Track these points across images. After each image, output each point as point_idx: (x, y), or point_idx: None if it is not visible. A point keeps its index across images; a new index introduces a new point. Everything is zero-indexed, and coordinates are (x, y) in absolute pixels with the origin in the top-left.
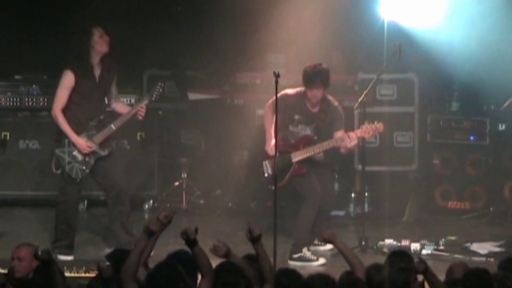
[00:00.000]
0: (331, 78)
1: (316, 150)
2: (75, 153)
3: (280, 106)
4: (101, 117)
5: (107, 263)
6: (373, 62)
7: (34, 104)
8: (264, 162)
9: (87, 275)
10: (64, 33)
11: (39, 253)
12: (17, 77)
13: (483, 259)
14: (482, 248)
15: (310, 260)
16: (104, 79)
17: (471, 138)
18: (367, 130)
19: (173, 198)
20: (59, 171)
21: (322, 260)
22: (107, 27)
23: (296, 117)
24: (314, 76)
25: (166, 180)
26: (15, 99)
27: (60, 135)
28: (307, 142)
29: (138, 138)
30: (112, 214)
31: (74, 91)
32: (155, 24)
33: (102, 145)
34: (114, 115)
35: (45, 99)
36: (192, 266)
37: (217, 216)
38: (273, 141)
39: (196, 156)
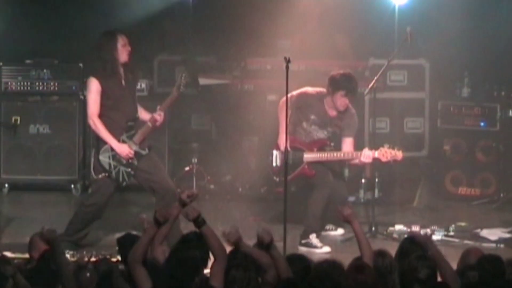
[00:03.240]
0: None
1: (327, 157)
2: (118, 156)
3: (299, 103)
4: (137, 116)
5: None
6: (384, 48)
7: (45, 88)
8: (274, 152)
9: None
10: (76, 17)
11: (44, 232)
12: (27, 61)
13: (493, 245)
14: (492, 234)
15: (315, 247)
16: (128, 80)
17: (482, 124)
18: (386, 154)
19: (184, 183)
20: (100, 176)
21: (326, 248)
22: (130, 36)
23: (312, 117)
24: (354, 85)
25: (176, 165)
26: (25, 84)
27: (99, 140)
28: (321, 146)
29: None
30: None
31: (104, 95)
32: (166, 10)
33: (141, 144)
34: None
35: (56, 84)
36: (203, 248)
37: (227, 201)
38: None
39: (207, 141)
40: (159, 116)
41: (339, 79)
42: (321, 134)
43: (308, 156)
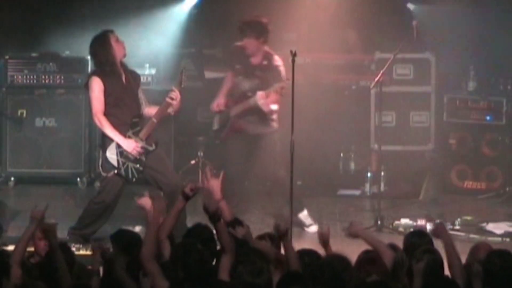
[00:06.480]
0: (269, 32)
1: (244, 107)
2: (126, 152)
3: (230, 57)
4: (142, 112)
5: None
6: (390, 42)
7: (51, 81)
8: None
9: None
10: (81, 12)
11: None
12: (33, 54)
13: (499, 239)
14: (498, 228)
15: (304, 225)
16: (129, 80)
17: (488, 118)
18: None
19: (189, 177)
20: (110, 174)
21: (314, 228)
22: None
23: (237, 66)
24: (244, 26)
25: (182, 159)
26: (31, 77)
27: (104, 138)
28: (243, 99)
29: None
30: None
31: (107, 94)
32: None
33: (147, 140)
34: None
35: (62, 77)
36: (211, 241)
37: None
38: (218, 100)
39: (212, 134)
40: (174, 95)
41: (240, 22)
42: (246, 84)
43: (233, 110)
